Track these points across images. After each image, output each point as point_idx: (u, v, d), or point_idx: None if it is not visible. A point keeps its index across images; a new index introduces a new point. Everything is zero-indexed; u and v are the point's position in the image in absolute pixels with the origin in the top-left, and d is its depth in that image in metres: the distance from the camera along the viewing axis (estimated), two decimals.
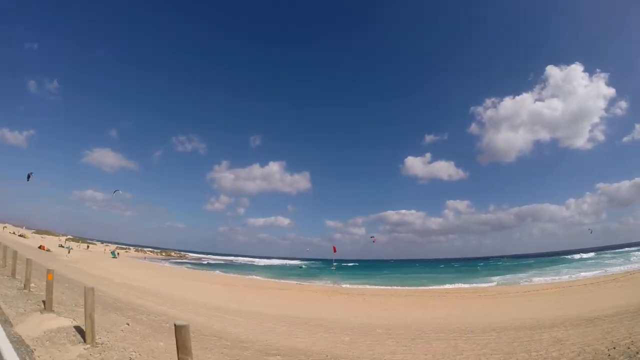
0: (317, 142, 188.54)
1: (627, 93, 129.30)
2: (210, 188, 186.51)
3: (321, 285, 34.90)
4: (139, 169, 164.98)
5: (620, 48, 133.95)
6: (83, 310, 6.92)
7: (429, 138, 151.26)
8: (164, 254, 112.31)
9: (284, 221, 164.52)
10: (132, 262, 51.02)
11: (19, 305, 7.44)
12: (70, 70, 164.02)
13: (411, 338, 9.55)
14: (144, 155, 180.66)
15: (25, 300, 7.98)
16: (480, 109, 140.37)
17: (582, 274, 34.42)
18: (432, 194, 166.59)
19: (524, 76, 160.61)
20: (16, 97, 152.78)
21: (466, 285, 32.18)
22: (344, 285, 34.44)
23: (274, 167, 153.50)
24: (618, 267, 37.73)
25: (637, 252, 61.64)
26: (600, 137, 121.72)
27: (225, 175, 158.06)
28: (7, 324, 6.07)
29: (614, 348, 6.81)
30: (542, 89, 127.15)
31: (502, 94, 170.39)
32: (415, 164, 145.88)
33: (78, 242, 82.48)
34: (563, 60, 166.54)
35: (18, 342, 5.24)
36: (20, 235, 63.50)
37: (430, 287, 31.80)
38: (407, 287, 31.90)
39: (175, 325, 3.91)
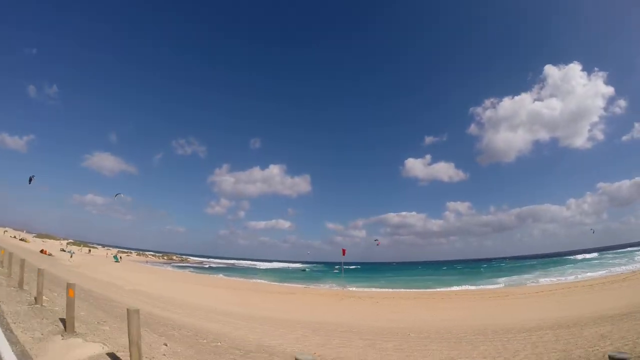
0: (317, 143, 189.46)
1: (626, 92, 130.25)
2: (211, 191, 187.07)
3: (328, 289, 34.74)
4: (139, 173, 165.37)
5: (618, 47, 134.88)
6: (109, 328, 6.70)
7: (428, 139, 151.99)
8: (165, 257, 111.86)
9: (285, 224, 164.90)
10: (134, 266, 50.73)
11: (33, 326, 6.20)
12: (70, 74, 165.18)
13: (452, 341, 9.34)
14: (143, 159, 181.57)
15: (40, 319, 6.78)
16: (479, 109, 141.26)
17: (588, 274, 34.34)
18: (433, 196, 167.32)
19: (522, 76, 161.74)
20: (16, 101, 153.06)
21: (473, 287, 32.00)
22: (350, 289, 34.22)
23: (275, 170, 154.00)
24: (623, 267, 37.66)
25: None
26: (600, 136, 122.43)
27: (225, 179, 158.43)
28: (25, 357, 4.68)
29: None
30: (541, 88, 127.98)
31: (501, 94, 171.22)
32: (415, 166, 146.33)
33: (79, 246, 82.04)
34: (561, 59, 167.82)
35: None
36: (21, 240, 63.16)
37: (438, 290, 31.61)
38: (414, 290, 31.70)
39: None
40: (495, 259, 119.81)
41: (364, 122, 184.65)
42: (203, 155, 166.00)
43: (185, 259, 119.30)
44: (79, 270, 29.97)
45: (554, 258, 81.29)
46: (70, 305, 6.13)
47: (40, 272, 8.26)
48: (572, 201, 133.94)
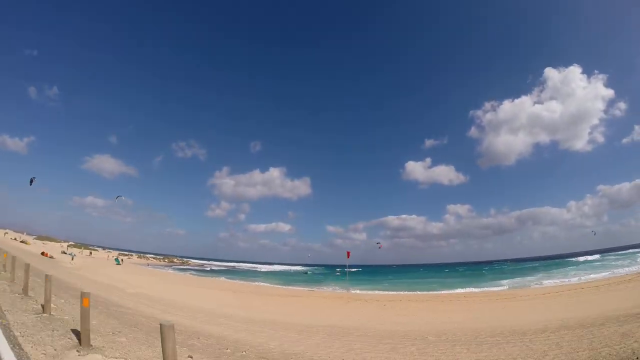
0: (317, 146, 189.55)
1: (626, 94, 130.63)
2: (211, 194, 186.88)
3: (333, 292, 34.55)
4: (139, 175, 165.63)
5: (618, 49, 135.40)
6: (126, 340, 6.45)
7: (429, 142, 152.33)
8: (166, 260, 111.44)
9: (285, 227, 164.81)
10: (136, 269, 50.50)
11: (44, 340, 5.60)
12: (70, 76, 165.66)
13: (474, 344, 9.23)
14: (144, 161, 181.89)
15: (50, 331, 6.17)
16: (479, 112, 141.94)
17: (592, 276, 34.20)
18: (433, 199, 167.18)
19: (522, 79, 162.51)
20: (16, 103, 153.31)
21: (477, 290, 31.83)
22: (354, 292, 34.08)
23: (275, 172, 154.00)
24: (627, 269, 37.56)
25: None
26: (600, 138, 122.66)
27: (225, 181, 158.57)
28: None
29: None
30: (541, 91, 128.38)
31: (501, 97, 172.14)
32: (415, 169, 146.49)
33: (80, 248, 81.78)
34: (561, 62, 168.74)
35: None
36: (21, 242, 63.02)
37: (443, 292, 31.42)
38: (420, 292, 31.51)
39: None
40: (496, 261, 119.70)
41: (364, 125, 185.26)
42: (203, 158, 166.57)
43: (186, 262, 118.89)
44: (80, 272, 29.85)
45: (556, 260, 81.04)
46: (85, 316, 5.66)
47: (48, 278, 7.76)
48: (572, 204, 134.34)
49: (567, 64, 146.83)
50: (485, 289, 32.24)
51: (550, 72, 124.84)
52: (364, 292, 33.70)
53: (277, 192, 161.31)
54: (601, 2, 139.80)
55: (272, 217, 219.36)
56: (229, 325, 12.03)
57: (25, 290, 9.60)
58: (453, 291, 31.66)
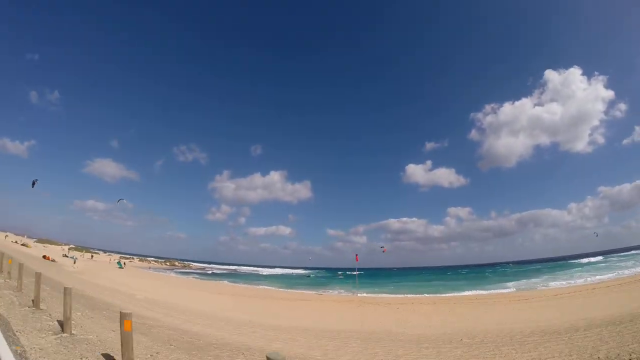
0: (318, 150, 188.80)
1: (627, 95, 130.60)
2: (212, 198, 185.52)
3: (340, 295, 34.34)
4: (140, 179, 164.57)
5: (618, 50, 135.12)
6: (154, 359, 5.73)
7: (429, 145, 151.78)
8: (168, 263, 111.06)
9: (285, 230, 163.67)
10: (138, 273, 50.19)
11: None
12: (72, 80, 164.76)
13: (515, 344, 9.07)
14: (145, 165, 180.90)
15: (78, 359, 5.08)
16: (480, 115, 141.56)
17: (599, 277, 34.08)
18: (434, 202, 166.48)
19: (522, 81, 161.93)
20: (17, 107, 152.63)
21: (484, 292, 31.66)
22: (361, 295, 33.84)
23: (275, 176, 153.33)
24: (632, 270, 37.64)
25: None
26: (600, 140, 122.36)
27: (226, 185, 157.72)
28: None
29: None
30: (541, 93, 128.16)
31: (501, 99, 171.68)
32: (416, 172, 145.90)
33: (82, 251, 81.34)
34: (561, 64, 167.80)
35: None
36: (22, 245, 62.56)
37: (451, 294, 31.18)
38: (428, 295, 31.37)
39: None
40: (498, 263, 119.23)
41: (365, 128, 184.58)
42: (204, 162, 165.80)
43: (188, 265, 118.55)
44: (83, 277, 29.53)
45: (558, 262, 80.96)
46: (127, 342, 4.67)
47: (67, 292, 6.58)
48: (573, 205, 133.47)
49: (567, 65, 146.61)
50: (492, 291, 32.06)
51: (550, 74, 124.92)
52: (372, 295, 33.49)
53: (278, 195, 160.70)
54: (601, 2, 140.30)
55: (273, 220, 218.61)
56: (263, 336, 11.40)
57: (36, 303, 8.45)
58: (461, 294, 31.44)
